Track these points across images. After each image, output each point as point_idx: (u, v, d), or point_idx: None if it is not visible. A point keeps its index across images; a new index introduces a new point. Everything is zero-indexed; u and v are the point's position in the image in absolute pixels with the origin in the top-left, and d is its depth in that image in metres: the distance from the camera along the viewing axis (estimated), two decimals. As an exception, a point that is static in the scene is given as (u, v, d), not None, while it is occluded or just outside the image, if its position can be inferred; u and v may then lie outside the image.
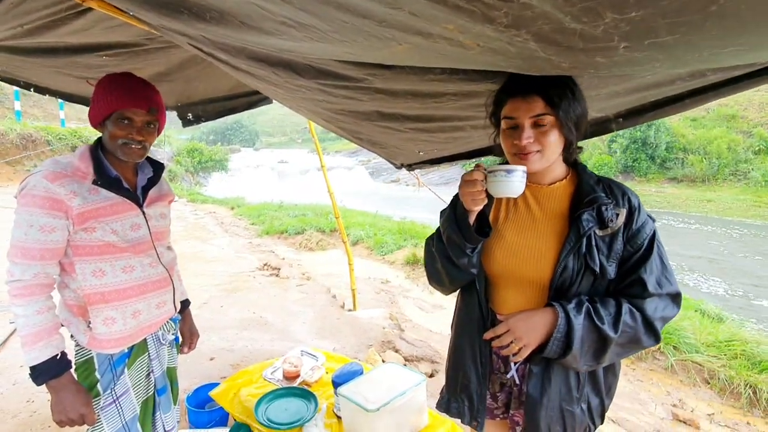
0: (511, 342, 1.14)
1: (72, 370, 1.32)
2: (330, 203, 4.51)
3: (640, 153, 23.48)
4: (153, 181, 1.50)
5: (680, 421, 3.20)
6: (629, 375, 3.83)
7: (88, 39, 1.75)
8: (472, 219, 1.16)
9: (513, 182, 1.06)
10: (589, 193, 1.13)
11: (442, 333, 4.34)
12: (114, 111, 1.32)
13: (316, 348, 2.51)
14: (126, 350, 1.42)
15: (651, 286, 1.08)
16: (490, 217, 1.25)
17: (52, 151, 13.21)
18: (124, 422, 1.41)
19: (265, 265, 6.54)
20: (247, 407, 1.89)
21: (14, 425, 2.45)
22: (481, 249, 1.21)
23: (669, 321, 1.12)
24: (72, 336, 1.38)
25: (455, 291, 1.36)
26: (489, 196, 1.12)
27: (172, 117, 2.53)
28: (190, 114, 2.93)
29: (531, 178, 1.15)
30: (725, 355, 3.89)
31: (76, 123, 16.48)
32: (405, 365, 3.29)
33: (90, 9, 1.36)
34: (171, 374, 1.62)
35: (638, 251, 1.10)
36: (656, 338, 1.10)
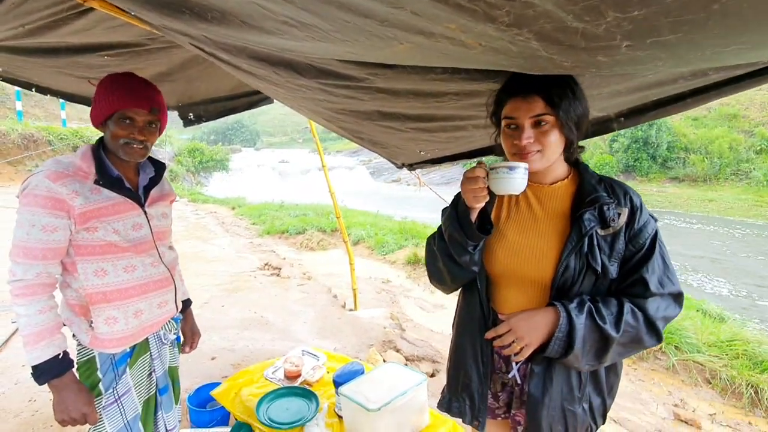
0: (513, 341, 1.14)
1: (74, 370, 1.32)
2: (331, 203, 4.51)
3: (641, 152, 23.46)
4: (154, 180, 1.51)
5: (682, 421, 3.20)
6: (630, 375, 3.82)
7: (89, 39, 1.75)
8: (473, 216, 1.16)
9: (515, 179, 1.06)
10: (590, 192, 1.13)
11: (443, 333, 4.34)
12: (116, 111, 1.32)
13: (317, 348, 2.51)
14: (128, 350, 1.42)
15: (653, 286, 1.08)
16: (492, 216, 1.25)
17: (54, 151, 13.24)
18: (126, 421, 1.41)
19: (266, 264, 6.54)
20: (249, 407, 1.89)
21: (16, 424, 2.45)
22: (483, 247, 1.21)
23: (671, 321, 1.12)
24: (74, 335, 1.38)
25: (456, 290, 1.36)
26: (491, 194, 1.12)
27: (173, 117, 2.53)
28: (191, 114, 2.93)
29: (532, 178, 1.15)
30: (727, 354, 3.88)
31: (78, 123, 16.52)
32: (406, 365, 3.29)
33: (91, 9, 1.36)
34: (173, 374, 1.63)
35: (640, 251, 1.10)
36: (658, 338, 1.10)
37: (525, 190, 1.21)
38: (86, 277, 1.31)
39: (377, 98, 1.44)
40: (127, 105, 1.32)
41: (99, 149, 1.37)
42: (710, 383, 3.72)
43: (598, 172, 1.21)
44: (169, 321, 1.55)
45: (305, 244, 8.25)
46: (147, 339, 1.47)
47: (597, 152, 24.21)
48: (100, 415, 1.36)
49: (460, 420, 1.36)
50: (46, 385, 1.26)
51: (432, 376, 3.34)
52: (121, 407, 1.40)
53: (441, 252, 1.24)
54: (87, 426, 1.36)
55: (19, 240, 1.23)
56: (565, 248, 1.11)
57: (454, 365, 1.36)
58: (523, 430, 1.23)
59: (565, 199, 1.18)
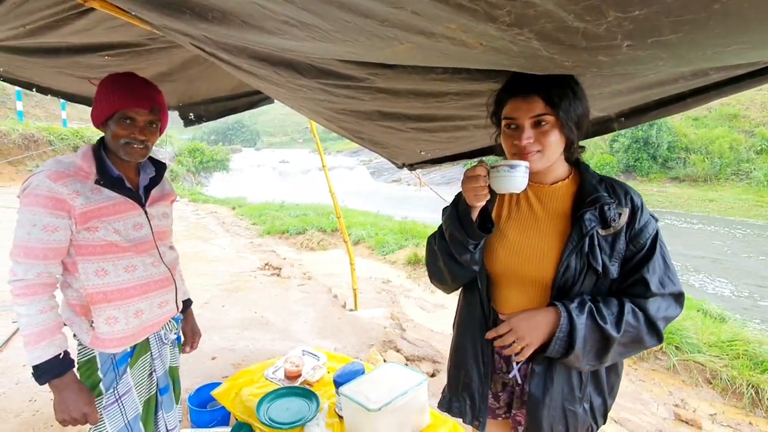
0: (514, 341, 1.14)
1: (75, 370, 1.32)
2: (331, 203, 4.51)
3: (641, 152, 23.45)
4: (155, 180, 1.51)
5: (682, 421, 3.20)
6: (631, 375, 3.82)
7: (90, 39, 1.76)
8: (474, 215, 1.16)
9: (516, 177, 1.06)
10: (591, 192, 1.13)
11: (443, 333, 4.34)
12: (116, 111, 1.32)
13: (318, 348, 2.51)
14: (128, 349, 1.42)
15: (654, 286, 1.07)
16: (493, 216, 1.25)
17: (54, 152, 13.24)
18: (126, 421, 1.41)
19: (266, 264, 6.54)
20: (249, 407, 1.89)
21: (17, 424, 2.45)
22: (483, 246, 1.21)
23: (672, 321, 1.12)
24: (75, 335, 1.38)
25: (457, 289, 1.36)
26: (492, 193, 1.12)
27: (173, 117, 2.53)
28: (191, 114, 2.93)
29: (533, 178, 1.15)
30: (727, 355, 3.88)
31: (78, 123, 16.52)
32: (406, 365, 3.29)
33: (92, 9, 1.36)
34: (173, 373, 1.63)
35: (641, 251, 1.10)
36: (659, 338, 1.10)
37: (526, 190, 1.21)
38: (87, 276, 1.31)
39: (378, 98, 1.44)
40: (128, 105, 1.32)
41: (100, 149, 1.37)
42: (711, 383, 3.72)
43: (598, 172, 1.21)
44: (169, 321, 1.55)
45: (305, 244, 8.25)
46: (147, 339, 1.47)
47: (597, 152, 24.21)
48: (101, 414, 1.36)
49: (461, 420, 1.36)
50: (47, 385, 1.26)
51: (432, 376, 3.34)
52: (121, 407, 1.40)
53: (442, 251, 1.24)
54: (88, 426, 1.36)
55: (20, 240, 1.23)
56: (566, 248, 1.11)
57: (455, 365, 1.36)
58: (524, 430, 1.23)
59: (565, 199, 1.18)
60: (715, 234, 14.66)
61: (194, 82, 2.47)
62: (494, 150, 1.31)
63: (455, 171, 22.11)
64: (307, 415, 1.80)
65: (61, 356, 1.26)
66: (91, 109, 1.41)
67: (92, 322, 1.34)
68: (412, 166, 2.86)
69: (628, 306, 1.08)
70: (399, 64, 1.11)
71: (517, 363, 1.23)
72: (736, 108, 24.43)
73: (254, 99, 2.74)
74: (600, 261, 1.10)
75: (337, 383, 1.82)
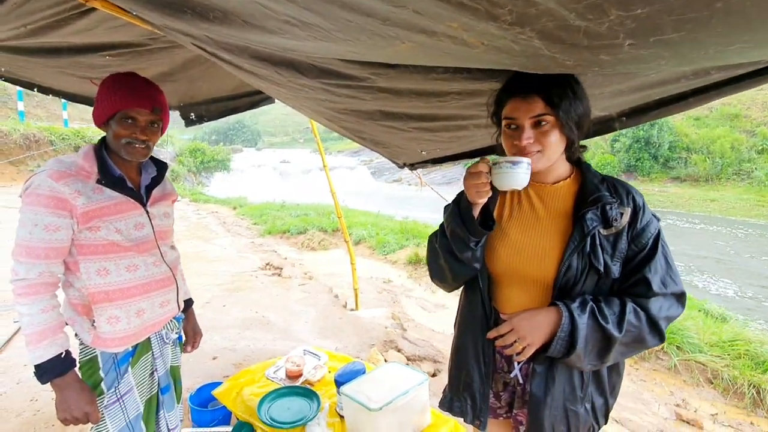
0: (515, 341, 1.14)
1: (76, 369, 1.32)
2: (332, 203, 4.51)
3: (643, 152, 23.44)
4: (156, 180, 1.51)
5: (683, 421, 3.19)
6: (632, 375, 3.82)
7: (91, 39, 1.76)
8: (476, 212, 1.16)
9: (518, 173, 1.06)
10: (593, 192, 1.13)
11: (444, 332, 4.34)
12: (118, 111, 1.32)
13: (319, 347, 2.51)
14: (130, 349, 1.42)
15: (656, 286, 1.07)
16: (494, 215, 1.25)
17: (55, 151, 13.26)
18: (127, 421, 1.41)
19: (267, 264, 6.55)
20: (250, 406, 1.90)
21: (18, 424, 2.46)
22: (485, 244, 1.21)
23: (673, 320, 1.12)
24: (76, 335, 1.38)
25: (458, 288, 1.36)
26: (494, 191, 1.12)
27: (174, 117, 2.54)
28: (192, 114, 2.93)
29: (534, 177, 1.15)
30: (729, 355, 3.87)
31: (79, 123, 16.55)
32: (407, 364, 3.29)
33: (93, 9, 1.36)
34: (174, 373, 1.63)
35: (643, 250, 1.10)
36: (661, 338, 1.10)
37: (528, 189, 1.21)
38: (89, 276, 1.31)
39: (379, 98, 1.44)
40: (130, 105, 1.32)
41: (101, 149, 1.38)
42: (712, 383, 3.72)
43: (599, 171, 1.21)
44: (171, 320, 1.55)
45: (306, 244, 8.25)
46: (149, 338, 1.48)
47: (598, 152, 24.21)
48: (102, 414, 1.37)
49: (462, 419, 1.36)
50: (49, 384, 1.26)
51: (433, 375, 3.34)
52: (123, 406, 1.40)
53: (443, 249, 1.24)
54: (89, 425, 1.36)
55: (21, 239, 1.23)
56: (568, 248, 1.11)
57: (456, 364, 1.36)
58: (525, 430, 1.23)
59: (567, 199, 1.18)
60: (717, 234, 14.65)
61: (195, 82, 2.47)
62: (495, 150, 1.32)
63: (456, 171, 22.13)
64: (308, 415, 1.81)
65: (62, 355, 1.27)
66: (92, 109, 1.41)
67: (94, 321, 1.34)
68: (413, 166, 2.86)
69: (629, 306, 1.08)
70: (400, 64, 1.11)
71: (519, 363, 1.23)
72: (737, 108, 24.42)
73: (255, 99, 2.74)
74: (602, 261, 1.09)
75: (338, 383, 1.82)
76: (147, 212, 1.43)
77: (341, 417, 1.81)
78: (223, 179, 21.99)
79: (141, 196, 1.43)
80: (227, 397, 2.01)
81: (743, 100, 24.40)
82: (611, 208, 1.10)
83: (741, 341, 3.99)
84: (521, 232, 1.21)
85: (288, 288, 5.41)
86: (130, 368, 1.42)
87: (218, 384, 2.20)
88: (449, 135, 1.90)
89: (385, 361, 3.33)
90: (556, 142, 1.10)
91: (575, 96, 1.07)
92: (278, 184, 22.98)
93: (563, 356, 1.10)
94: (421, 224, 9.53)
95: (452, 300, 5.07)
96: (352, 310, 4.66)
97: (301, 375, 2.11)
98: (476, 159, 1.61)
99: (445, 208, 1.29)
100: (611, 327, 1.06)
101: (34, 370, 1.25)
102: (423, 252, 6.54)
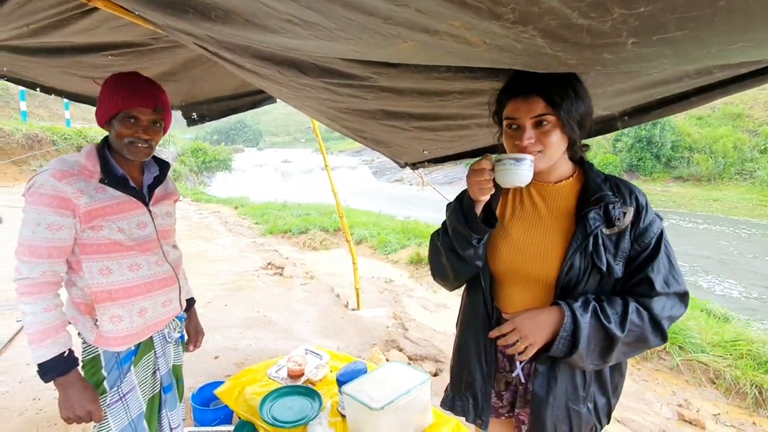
0: (517, 341, 1.14)
1: (79, 368, 1.33)
2: (334, 203, 4.51)
3: (645, 152, 23.38)
4: (159, 179, 1.51)
5: (686, 421, 3.19)
6: (634, 375, 3.81)
7: (93, 39, 1.76)
8: (478, 210, 1.16)
9: (521, 170, 1.06)
10: (596, 191, 1.12)
11: (445, 332, 4.33)
12: (120, 110, 1.32)
13: (320, 347, 2.51)
14: (132, 348, 1.42)
15: (658, 285, 1.07)
16: (497, 214, 1.25)
17: (58, 151, 13.29)
18: (130, 419, 1.42)
19: (268, 264, 6.55)
20: (252, 405, 1.90)
21: (20, 423, 2.46)
22: (487, 242, 1.21)
23: (676, 320, 1.11)
24: (79, 333, 1.39)
25: (459, 287, 1.36)
26: (496, 189, 1.12)
27: (176, 117, 2.54)
28: (194, 113, 2.94)
29: (537, 177, 1.15)
30: (731, 355, 3.86)
31: (82, 123, 16.59)
32: (409, 364, 3.29)
33: (96, 9, 1.36)
34: (177, 372, 1.63)
35: (645, 250, 1.09)
36: (663, 337, 1.09)
37: (530, 189, 1.21)
38: (91, 275, 1.31)
39: (381, 97, 1.44)
40: (132, 104, 1.32)
41: (104, 148, 1.38)
42: (714, 383, 3.71)
43: (602, 171, 1.21)
44: (173, 319, 1.56)
45: (308, 244, 8.26)
46: (151, 337, 1.48)
47: (600, 151, 24.17)
48: (105, 412, 1.37)
49: (464, 419, 1.36)
50: (51, 383, 1.27)
51: (435, 375, 3.34)
52: (125, 405, 1.41)
53: (445, 247, 1.24)
54: (92, 424, 1.36)
55: (24, 238, 1.24)
56: (570, 247, 1.11)
57: (458, 364, 1.36)
58: (527, 429, 1.23)
59: (569, 198, 1.18)
60: (720, 234, 14.61)
61: (197, 82, 2.47)
62: (497, 149, 1.31)
63: (458, 170, 22.11)
64: (310, 414, 1.81)
65: (65, 354, 1.27)
66: (94, 108, 1.41)
67: (96, 320, 1.34)
68: (414, 166, 2.86)
69: (632, 305, 1.07)
70: (402, 63, 1.11)
71: (521, 362, 1.23)
72: (739, 107, 24.35)
73: (257, 98, 2.75)
74: (604, 260, 1.09)
75: (340, 382, 1.82)
76: (149, 211, 1.44)
77: (343, 416, 1.81)
78: (224, 179, 22.02)
79: (143, 195, 1.44)
80: (229, 396, 2.01)
81: (746, 99, 24.32)
82: (614, 208, 1.10)
83: (743, 341, 3.98)
84: (524, 232, 1.20)
85: (289, 288, 5.41)
86: (132, 367, 1.42)
87: (220, 383, 2.21)
88: (451, 134, 1.90)
89: (387, 360, 3.34)
90: (557, 141, 1.10)
91: (577, 95, 1.07)
92: (280, 184, 23.02)
93: (565, 356, 1.10)
94: (423, 224, 9.53)
95: (454, 300, 5.07)
96: (353, 309, 4.66)
97: (302, 374, 2.12)
98: (478, 158, 1.61)
99: (447, 206, 1.29)
100: (614, 327, 1.06)
101: (37, 368, 1.25)
102: (424, 252, 6.55)
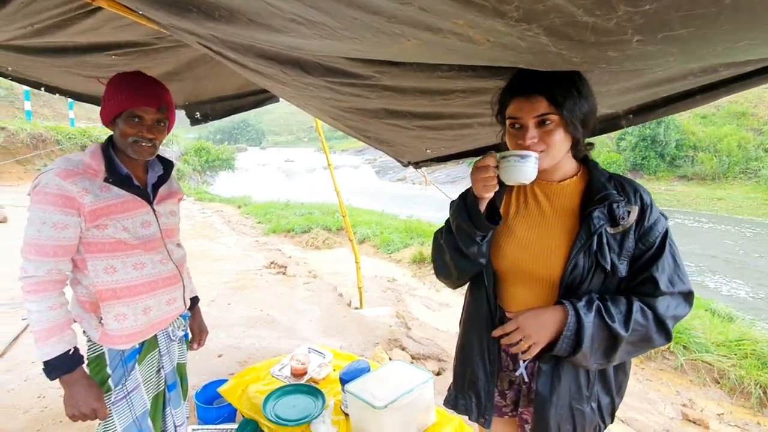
0: (520, 340, 1.14)
1: (84, 366, 1.33)
2: (336, 202, 4.52)
3: (649, 151, 23.26)
4: (163, 178, 1.52)
5: (690, 420, 3.18)
6: (638, 374, 3.80)
7: (97, 38, 1.77)
8: (482, 207, 1.15)
9: (526, 167, 1.05)
10: (600, 190, 1.12)
11: (448, 331, 4.33)
12: (124, 109, 1.33)
13: (323, 346, 2.52)
14: (137, 346, 1.43)
15: (663, 285, 1.06)
16: (500, 212, 1.24)
17: (62, 151, 13.35)
18: (134, 417, 1.43)
19: (271, 263, 6.57)
20: (255, 404, 1.91)
21: (26, 420, 2.48)
22: (490, 239, 1.20)
23: (681, 319, 1.11)
24: (84, 332, 1.40)
25: (462, 285, 1.35)
26: (501, 186, 1.11)
27: (180, 116, 2.55)
28: (198, 113, 2.95)
29: (541, 175, 1.14)
30: (735, 354, 3.84)
31: (86, 122, 16.66)
32: (412, 363, 3.29)
33: (100, 8, 1.37)
34: (181, 370, 1.64)
35: (650, 249, 1.09)
36: (667, 337, 1.09)
37: (534, 187, 1.21)
38: (96, 274, 1.32)
39: (384, 96, 1.44)
40: (136, 103, 1.33)
41: (108, 147, 1.39)
42: (718, 383, 3.69)
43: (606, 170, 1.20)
44: (177, 318, 1.56)
45: (311, 243, 8.27)
46: (156, 336, 1.49)
47: (604, 150, 24.05)
48: (110, 410, 1.38)
49: (467, 418, 1.36)
50: (57, 381, 1.27)
51: (438, 374, 3.34)
52: (130, 403, 1.42)
53: (448, 244, 1.24)
54: (97, 421, 1.37)
55: (30, 237, 1.24)
56: (574, 246, 1.10)
57: (461, 362, 1.36)
58: (531, 428, 1.22)
59: (574, 197, 1.17)
60: (725, 233, 14.52)
61: (201, 81, 2.48)
62: (500, 148, 1.30)
63: (460, 169, 22.08)
64: (313, 413, 1.81)
65: (70, 352, 1.28)
66: (99, 108, 1.42)
67: (101, 318, 1.35)
68: (417, 164, 2.86)
69: (636, 304, 1.07)
70: (405, 62, 1.11)
71: (524, 361, 1.23)
72: (744, 106, 24.20)
73: (260, 98, 2.75)
74: (608, 259, 1.09)
75: (343, 381, 1.82)
76: (153, 210, 1.44)
77: (346, 415, 1.82)
78: (227, 178, 22.08)
79: (148, 194, 1.44)
80: (233, 395, 2.02)
81: (750, 98, 24.17)
82: (618, 207, 1.09)
83: (748, 341, 3.96)
84: (527, 230, 1.20)
85: (292, 286, 5.42)
86: (137, 365, 1.43)
87: (224, 381, 2.21)
88: (454, 133, 1.90)
89: (390, 359, 3.34)
90: (560, 141, 1.09)
91: (580, 94, 1.06)
92: (282, 183, 23.06)
93: (569, 355, 1.10)
94: (426, 223, 9.52)
95: (456, 299, 5.07)
96: (356, 308, 4.67)
97: (306, 373, 2.12)
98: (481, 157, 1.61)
99: (451, 203, 1.29)
100: (618, 326, 1.06)
101: (42, 366, 1.26)
102: (427, 251, 6.54)
